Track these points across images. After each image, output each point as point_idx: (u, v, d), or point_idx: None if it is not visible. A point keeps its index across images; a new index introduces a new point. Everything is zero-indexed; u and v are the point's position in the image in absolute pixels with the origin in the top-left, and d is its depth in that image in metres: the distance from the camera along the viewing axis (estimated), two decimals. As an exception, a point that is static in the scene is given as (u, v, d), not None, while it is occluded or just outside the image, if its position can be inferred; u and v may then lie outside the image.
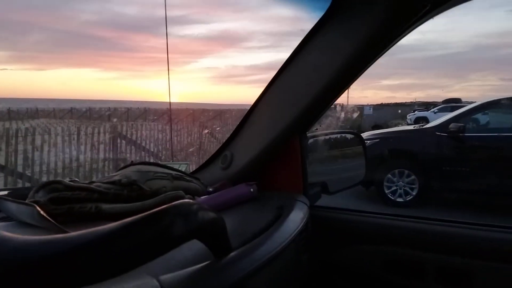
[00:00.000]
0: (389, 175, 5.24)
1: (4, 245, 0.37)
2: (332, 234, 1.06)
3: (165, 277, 0.48)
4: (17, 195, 0.77)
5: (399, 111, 19.24)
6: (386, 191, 5.22)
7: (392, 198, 5.18)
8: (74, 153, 5.90)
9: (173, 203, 0.44)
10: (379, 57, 0.89)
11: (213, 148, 7.54)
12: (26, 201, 0.66)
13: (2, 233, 0.38)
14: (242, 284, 0.59)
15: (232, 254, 0.57)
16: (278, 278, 0.78)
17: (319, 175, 1.24)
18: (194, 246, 0.56)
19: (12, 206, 0.67)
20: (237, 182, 1.00)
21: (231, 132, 1.15)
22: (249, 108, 1.12)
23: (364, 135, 5.81)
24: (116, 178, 0.79)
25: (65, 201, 0.71)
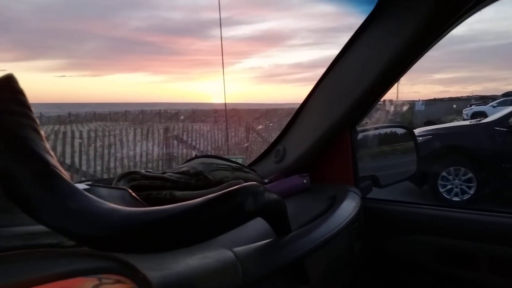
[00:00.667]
0: (444, 173, 5.02)
1: (114, 214, 0.46)
2: (384, 224, 1.09)
3: (237, 249, 0.56)
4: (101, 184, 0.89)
5: (454, 106, 18.17)
6: (441, 190, 5.01)
7: (448, 197, 4.95)
8: (131, 153, 6.31)
9: (244, 184, 0.51)
10: (427, 51, 0.91)
11: (258, 145, 7.68)
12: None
13: (112, 205, 0.47)
14: (301, 261, 0.65)
15: (291, 234, 0.63)
16: (333, 262, 0.83)
17: (370, 169, 1.27)
18: (258, 227, 0.63)
19: (104, 192, 0.78)
20: (290, 175, 1.06)
21: (280, 128, 1.22)
22: (294, 106, 1.18)
23: (416, 131, 5.62)
24: (185, 169, 0.89)
25: (143, 188, 0.81)
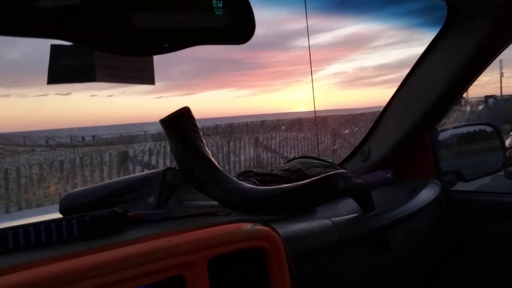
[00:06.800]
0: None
1: (254, 190, 0.72)
2: (468, 213, 1.19)
3: (334, 219, 0.77)
4: None
5: None
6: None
7: None
8: (221, 163, 6.90)
9: (337, 171, 0.73)
10: (494, 59, 1.02)
11: (345, 151, 7.71)
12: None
13: (251, 185, 0.73)
14: (383, 231, 0.83)
15: (375, 211, 0.82)
16: (413, 239, 0.99)
17: (456, 166, 1.36)
18: (348, 207, 0.84)
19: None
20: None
21: (365, 132, 1.39)
22: (378, 110, 1.34)
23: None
24: (287, 167, 1.13)
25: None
